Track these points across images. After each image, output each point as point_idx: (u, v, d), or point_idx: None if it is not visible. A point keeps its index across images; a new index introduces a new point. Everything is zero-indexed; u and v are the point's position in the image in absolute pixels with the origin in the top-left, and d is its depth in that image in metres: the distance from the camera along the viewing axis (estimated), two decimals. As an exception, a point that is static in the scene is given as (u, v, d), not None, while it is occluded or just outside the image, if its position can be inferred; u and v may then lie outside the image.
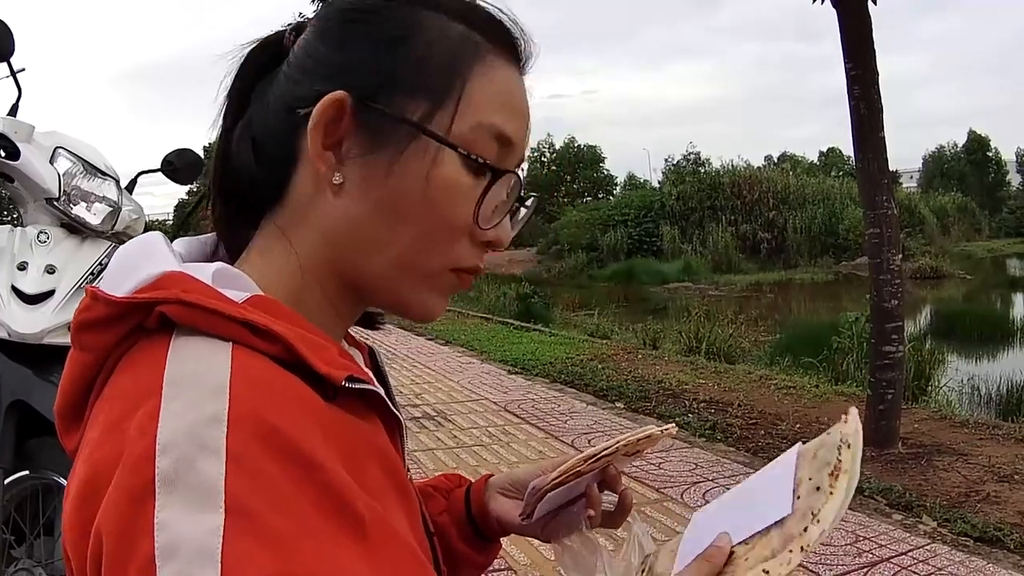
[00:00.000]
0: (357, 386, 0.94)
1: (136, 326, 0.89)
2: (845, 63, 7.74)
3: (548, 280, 39.01)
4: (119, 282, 0.91)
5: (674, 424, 1.53)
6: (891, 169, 7.90)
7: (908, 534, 5.49)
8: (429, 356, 13.66)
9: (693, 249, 46.34)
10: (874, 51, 7.72)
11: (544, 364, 12.26)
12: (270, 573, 0.74)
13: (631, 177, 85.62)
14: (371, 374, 1.02)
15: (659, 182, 68.55)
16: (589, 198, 73.58)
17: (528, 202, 1.11)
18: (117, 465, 0.78)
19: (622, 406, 9.49)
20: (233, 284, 0.94)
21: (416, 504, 1.11)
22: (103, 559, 0.76)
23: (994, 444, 7.54)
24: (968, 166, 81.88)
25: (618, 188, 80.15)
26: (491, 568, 4.95)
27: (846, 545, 5.29)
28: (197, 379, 0.82)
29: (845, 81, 7.70)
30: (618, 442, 1.39)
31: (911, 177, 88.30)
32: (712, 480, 6.73)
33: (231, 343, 0.86)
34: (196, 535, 0.73)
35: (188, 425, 0.78)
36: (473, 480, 1.63)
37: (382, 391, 1.01)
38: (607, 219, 51.37)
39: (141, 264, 0.93)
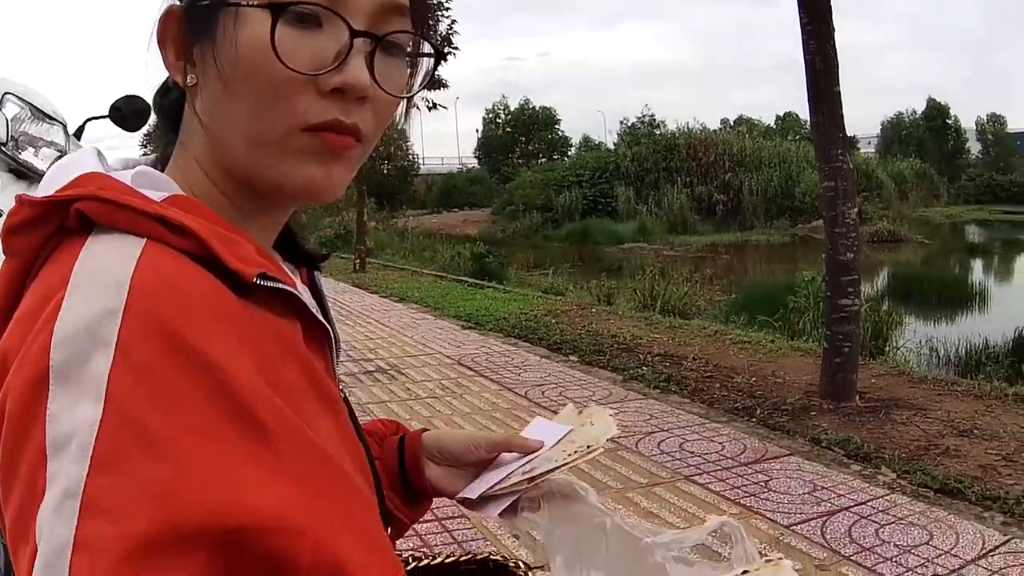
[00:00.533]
0: (269, 284, 0.93)
1: (59, 227, 0.89)
2: (800, 17, 7.67)
3: (503, 240, 38.89)
4: (46, 188, 0.93)
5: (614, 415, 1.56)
6: (849, 134, 7.88)
7: (867, 484, 5.47)
8: (383, 313, 13.66)
9: (648, 210, 46.31)
10: (830, 5, 7.65)
11: (498, 319, 12.26)
12: (145, 472, 0.74)
13: (586, 139, 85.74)
14: (297, 281, 1.06)
15: (614, 144, 68.51)
16: (544, 160, 73.24)
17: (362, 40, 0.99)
18: (20, 352, 0.80)
19: (576, 359, 9.50)
20: (153, 185, 0.95)
21: (345, 415, 1.10)
22: (4, 441, 0.78)
23: (953, 400, 7.51)
24: (927, 133, 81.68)
25: (573, 150, 79.99)
26: (454, 527, 5.01)
27: (804, 494, 5.29)
28: (101, 274, 0.82)
29: (801, 36, 7.63)
30: (563, 464, 1.40)
31: (869, 143, 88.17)
32: (667, 430, 6.72)
33: (145, 239, 0.85)
34: (78, 429, 0.74)
35: (85, 318, 0.78)
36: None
37: (302, 293, 1.01)
38: (562, 180, 51.19)
39: (69, 171, 0.94)
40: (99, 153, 1.02)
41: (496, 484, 1.45)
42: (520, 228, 47.23)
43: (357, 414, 1.24)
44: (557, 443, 1.49)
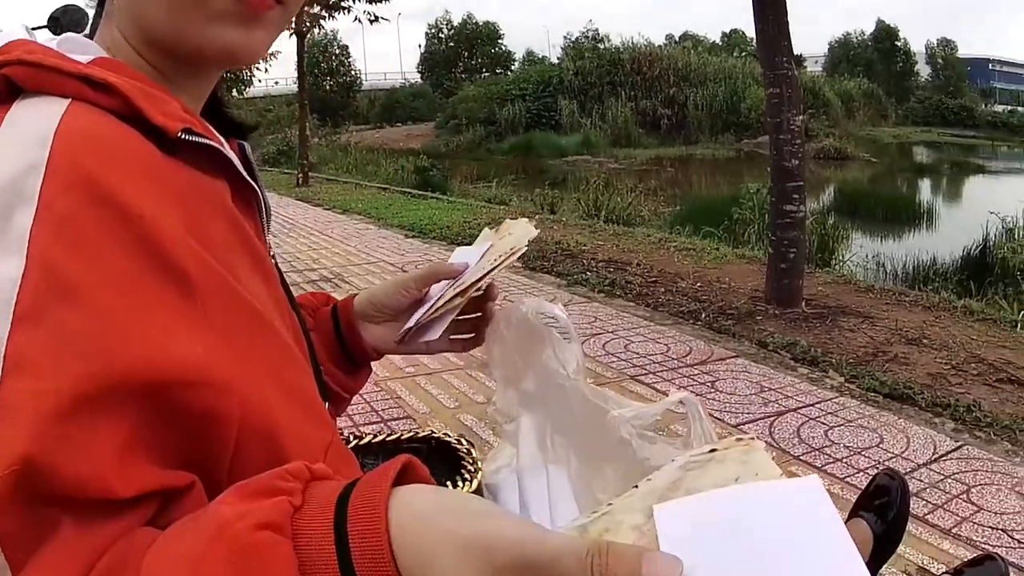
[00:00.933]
0: (195, 139, 0.91)
1: None
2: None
3: (446, 154, 38.87)
4: None
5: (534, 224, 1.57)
6: (795, 53, 7.77)
7: (814, 387, 5.43)
8: (326, 224, 13.63)
9: (592, 124, 46.48)
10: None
11: (441, 228, 12.26)
12: (68, 326, 0.73)
13: (529, 54, 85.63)
14: (221, 139, 1.02)
15: (558, 59, 68.31)
16: (487, 74, 73.13)
17: None
18: None
19: (520, 264, 9.33)
20: (79, 49, 0.94)
21: (275, 276, 1.10)
22: None
23: (901, 310, 7.51)
24: (875, 55, 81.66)
25: (516, 65, 79.86)
26: (390, 416, 4.91)
27: (751, 395, 5.24)
28: (24, 132, 0.81)
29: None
30: (491, 269, 1.42)
31: (816, 62, 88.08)
32: (612, 332, 6.66)
33: (69, 99, 0.84)
34: (1, 285, 0.73)
35: (7, 175, 0.77)
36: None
37: (228, 150, 1.00)
38: (505, 94, 51.24)
39: None
40: (28, 30, 0.98)
41: (429, 309, 1.46)
42: (463, 142, 47.21)
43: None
44: (481, 258, 1.49)
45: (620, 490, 1.72)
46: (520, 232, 1.52)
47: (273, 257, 1.17)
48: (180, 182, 0.89)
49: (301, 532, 0.73)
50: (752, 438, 0.85)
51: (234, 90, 38.17)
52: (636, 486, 0.85)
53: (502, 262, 1.42)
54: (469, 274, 1.45)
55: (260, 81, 43.95)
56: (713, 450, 0.86)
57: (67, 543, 0.73)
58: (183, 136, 0.89)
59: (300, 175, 21.25)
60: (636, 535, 0.77)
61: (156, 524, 0.80)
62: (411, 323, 1.47)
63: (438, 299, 1.45)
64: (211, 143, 0.94)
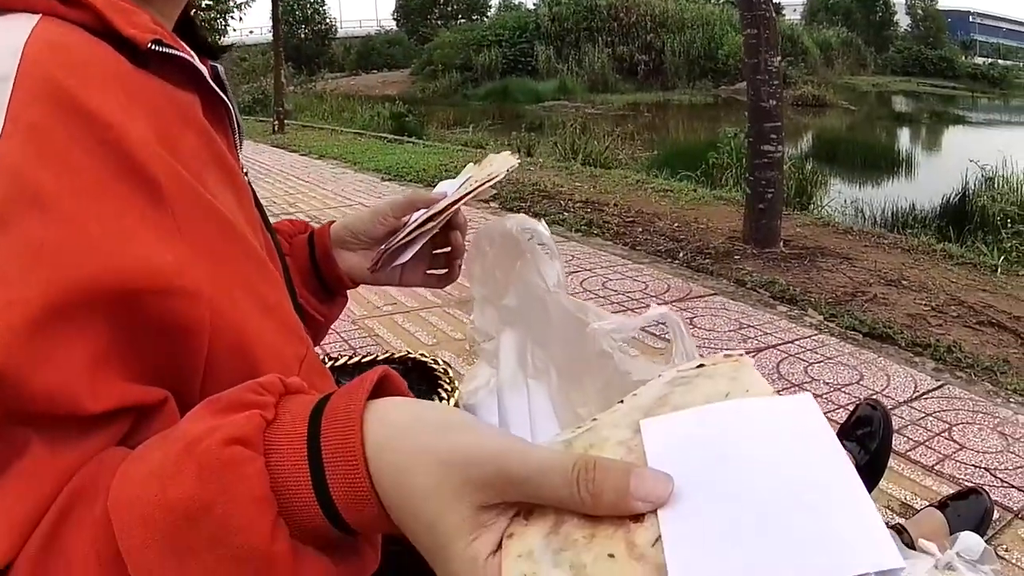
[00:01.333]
0: (165, 50, 0.90)
1: None
2: None
3: (423, 100, 38.72)
4: None
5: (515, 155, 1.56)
6: (773, 0, 7.70)
7: (794, 324, 5.40)
8: (303, 170, 13.55)
9: (569, 69, 46.42)
10: None
11: (418, 171, 12.18)
12: (36, 233, 0.72)
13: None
14: (192, 52, 0.99)
15: (535, 4, 68.02)
16: (463, 20, 72.69)
17: None
18: None
19: (496, 205, 9.35)
20: None
21: (247, 191, 1.08)
22: None
23: (880, 252, 7.50)
24: (854, 3, 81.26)
25: (493, 10, 79.39)
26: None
27: (730, 331, 5.22)
28: None
29: None
30: (465, 195, 1.43)
31: (795, 10, 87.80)
32: (589, 270, 6.61)
33: (40, 15, 0.83)
34: None
35: None
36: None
37: (199, 64, 0.98)
38: (481, 40, 51.04)
39: None
40: None
41: (402, 233, 1.46)
42: (439, 88, 47.12)
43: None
44: (459, 187, 1.49)
45: (601, 403, 1.70)
46: (500, 163, 1.51)
47: (246, 174, 1.14)
48: (150, 93, 0.88)
49: (273, 447, 0.72)
50: (741, 354, 0.84)
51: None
52: (621, 401, 0.82)
53: (477, 187, 1.42)
54: (444, 201, 1.44)
55: (235, 31, 43.68)
56: (701, 365, 0.84)
57: (36, 463, 0.72)
58: (153, 47, 0.88)
59: (276, 122, 21.10)
60: (623, 451, 0.75)
61: (128, 443, 0.79)
62: (383, 246, 1.48)
63: (411, 223, 1.46)
64: (181, 55, 0.93)
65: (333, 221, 1.56)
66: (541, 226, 1.86)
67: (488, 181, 1.43)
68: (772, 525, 0.64)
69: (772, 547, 0.63)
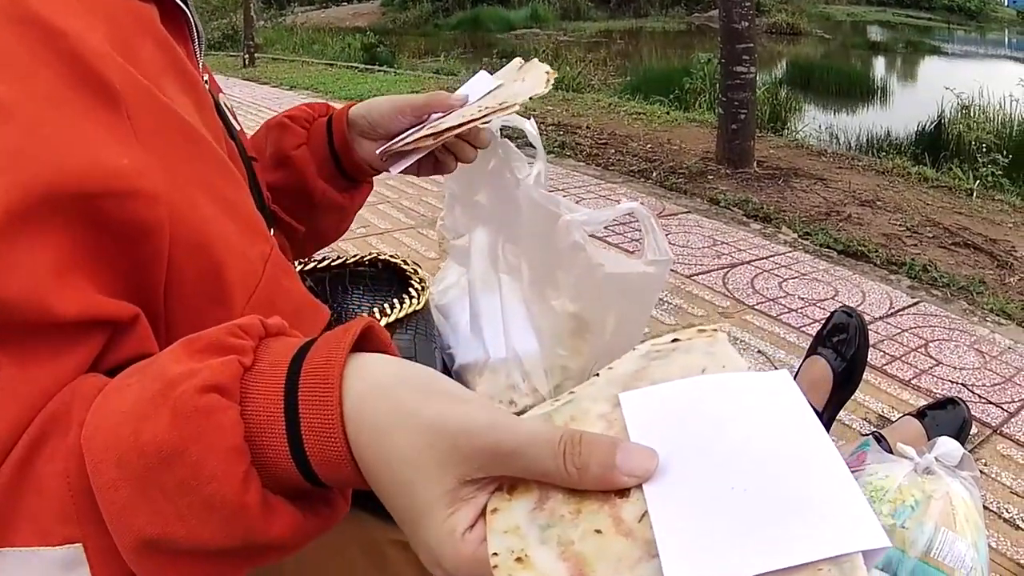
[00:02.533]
0: None
1: None
2: None
3: (394, 31, 38.41)
4: None
5: (552, 72, 1.52)
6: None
7: (768, 242, 5.38)
8: (274, 101, 13.39)
9: (540, -3, 46.00)
10: None
11: None
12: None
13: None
14: None
15: (507, -69, 67.60)
16: (434, -51, 72.29)
17: None
18: None
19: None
20: None
21: (207, 98, 1.06)
22: None
23: (855, 174, 7.48)
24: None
25: (464, -61, 78.97)
26: None
27: (704, 248, 5.18)
28: None
29: None
30: (470, 120, 1.37)
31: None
32: (562, 190, 6.52)
33: None
34: None
35: None
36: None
37: None
38: (452, -31, 50.50)
39: None
40: None
41: (401, 139, 1.42)
42: (410, 18, 46.73)
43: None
44: (479, 99, 1.46)
45: (574, 295, 1.64)
46: (530, 84, 1.47)
47: (207, 81, 1.15)
48: (107, 2, 0.88)
49: (250, 396, 0.71)
50: (716, 328, 0.85)
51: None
52: (597, 374, 0.83)
53: (485, 115, 1.37)
54: (454, 116, 1.39)
55: (202, -35, 43.41)
56: (676, 340, 0.85)
57: (8, 383, 0.71)
58: None
59: (246, 56, 20.87)
60: (603, 424, 0.75)
61: (103, 364, 0.79)
62: (381, 148, 1.45)
63: (411, 133, 1.42)
64: None
65: (353, 104, 1.52)
66: (528, 125, 1.85)
67: (499, 111, 1.37)
68: (757, 501, 0.64)
69: (758, 523, 0.63)
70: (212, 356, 0.71)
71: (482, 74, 1.56)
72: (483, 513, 0.69)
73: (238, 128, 1.34)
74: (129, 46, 0.87)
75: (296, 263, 1.53)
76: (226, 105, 1.33)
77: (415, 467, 0.68)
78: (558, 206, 1.72)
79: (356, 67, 18.28)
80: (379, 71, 17.02)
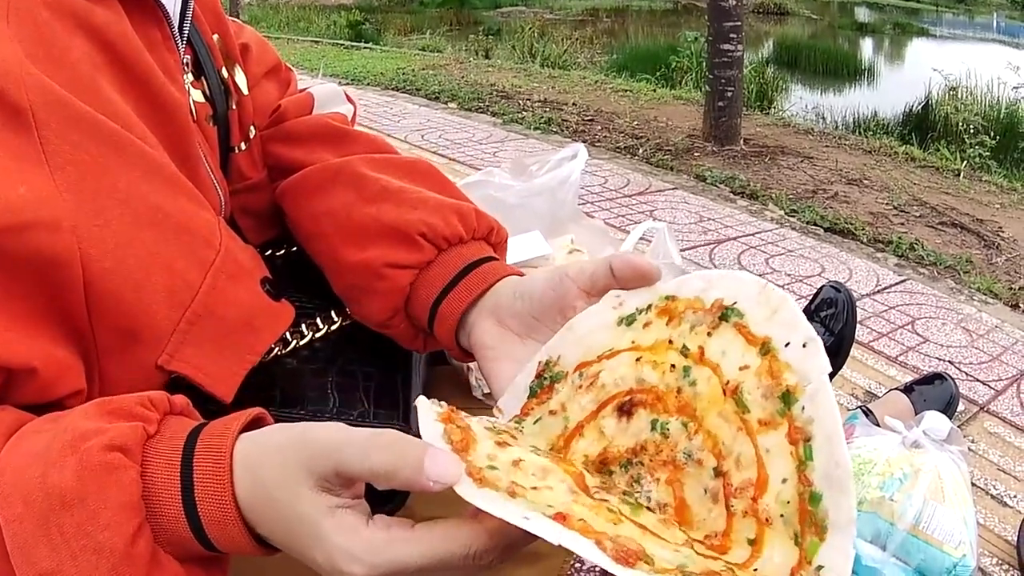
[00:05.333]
0: None
1: None
2: None
3: (379, 8, 38.34)
4: None
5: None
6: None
7: (754, 219, 5.36)
8: None
9: (526, -26, 45.95)
10: None
11: (375, 75, 11.92)
12: None
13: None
14: None
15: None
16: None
17: None
18: None
19: (455, 106, 9.18)
20: None
21: (166, 93, 0.99)
22: None
23: (841, 152, 7.46)
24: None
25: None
26: None
27: (690, 224, 5.15)
28: None
29: None
30: None
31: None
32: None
33: None
34: None
35: None
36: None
37: None
38: (438, -54, 50.45)
39: None
40: None
41: None
42: (396, -5, 46.69)
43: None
44: None
45: None
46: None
47: (187, 64, 1.11)
48: (30, 3, 0.83)
49: (150, 459, 0.76)
50: None
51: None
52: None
53: None
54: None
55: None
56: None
57: None
58: None
59: (232, 34, 20.99)
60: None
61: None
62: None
63: None
64: None
65: (507, 276, 1.13)
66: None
67: None
68: None
69: None
70: (121, 419, 0.77)
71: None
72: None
73: (237, 99, 1.27)
74: (52, 48, 0.84)
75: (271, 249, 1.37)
76: (231, 76, 1.26)
77: (285, 488, 0.74)
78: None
79: (342, 44, 18.22)
80: (365, 48, 16.94)
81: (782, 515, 0.76)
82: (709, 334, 0.89)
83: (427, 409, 0.81)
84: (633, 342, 0.95)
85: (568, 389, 0.97)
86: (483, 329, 1.09)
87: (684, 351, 0.90)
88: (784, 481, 0.77)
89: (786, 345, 0.83)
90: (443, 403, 0.86)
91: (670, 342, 0.92)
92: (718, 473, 0.83)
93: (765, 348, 0.84)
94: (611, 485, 0.87)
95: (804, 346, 0.82)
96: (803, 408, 0.79)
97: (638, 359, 0.92)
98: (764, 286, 0.89)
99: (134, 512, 0.73)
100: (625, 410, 0.92)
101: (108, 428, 0.75)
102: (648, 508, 0.85)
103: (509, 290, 1.09)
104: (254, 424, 0.83)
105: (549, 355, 1.00)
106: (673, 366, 0.90)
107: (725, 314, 0.89)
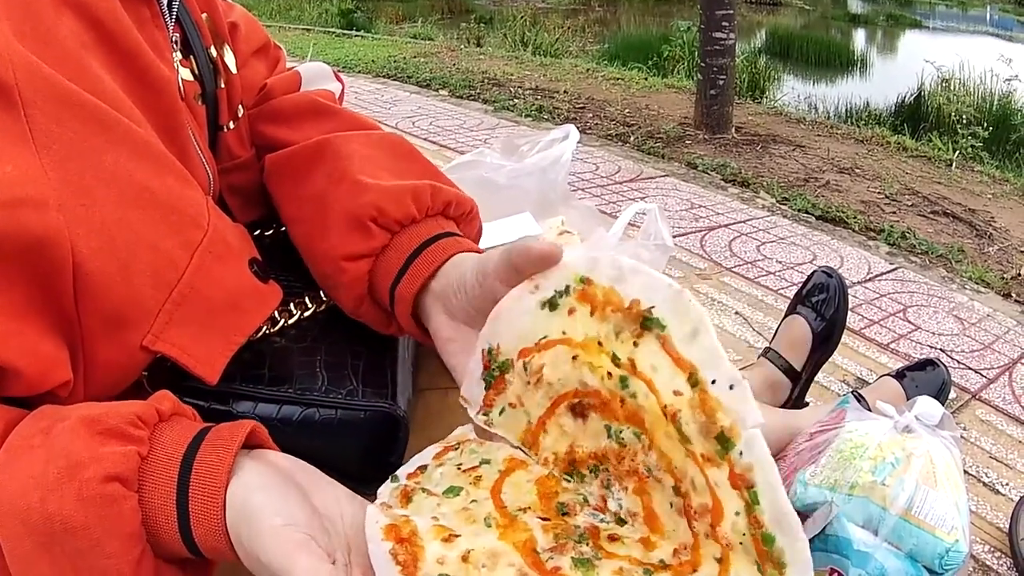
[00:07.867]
0: None
1: None
2: None
3: (371, -4, 38.57)
4: None
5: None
6: None
7: (746, 206, 5.34)
8: None
9: (519, -37, 45.94)
10: None
11: (366, 63, 11.91)
12: None
13: None
14: None
15: None
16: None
17: None
18: None
19: (446, 93, 9.17)
20: None
21: (155, 70, 0.99)
22: None
23: (833, 141, 7.45)
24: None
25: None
26: None
27: (681, 211, 5.12)
28: None
29: None
30: None
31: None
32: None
33: None
34: None
35: None
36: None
37: None
38: (430, -65, 50.44)
39: None
40: None
41: None
42: (387, -15, 46.71)
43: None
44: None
45: None
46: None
47: (177, 42, 1.11)
48: None
49: (146, 484, 0.79)
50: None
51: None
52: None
53: None
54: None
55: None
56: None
57: None
58: None
59: (224, 23, 21.03)
60: None
61: None
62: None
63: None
64: None
65: (456, 253, 1.14)
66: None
67: None
68: None
69: None
70: (114, 443, 0.77)
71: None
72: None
73: (226, 77, 1.26)
74: (40, 26, 0.83)
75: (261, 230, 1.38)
76: (220, 54, 1.25)
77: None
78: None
79: (333, 32, 18.21)
80: (356, 36, 16.93)
81: (741, 543, 0.79)
82: (635, 343, 0.90)
83: (375, 526, 0.81)
84: (564, 332, 0.95)
85: (519, 382, 0.99)
86: (439, 322, 1.10)
87: (616, 360, 0.91)
88: (738, 514, 0.79)
89: (712, 382, 0.84)
90: (392, 507, 0.89)
91: (600, 344, 0.93)
92: (678, 492, 0.85)
93: (693, 379, 0.85)
94: (578, 503, 0.91)
95: (731, 388, 0.82)
96: (741, 453, 0.80)
97: (575, 357, 0.94)
98: (679, 292, 0.89)
99: (136, 541, 0.77)
100: (578, 411, 0.95)
101: (102, 455, 0.76)
102: (620, 518, 0.89)
103: (454, 279, 1.08)
104: (250, 437, 0.86)
105: (488, 343, 1.01)
106: (610, 374, 0.91)
107: (647, 323, 0.89)
